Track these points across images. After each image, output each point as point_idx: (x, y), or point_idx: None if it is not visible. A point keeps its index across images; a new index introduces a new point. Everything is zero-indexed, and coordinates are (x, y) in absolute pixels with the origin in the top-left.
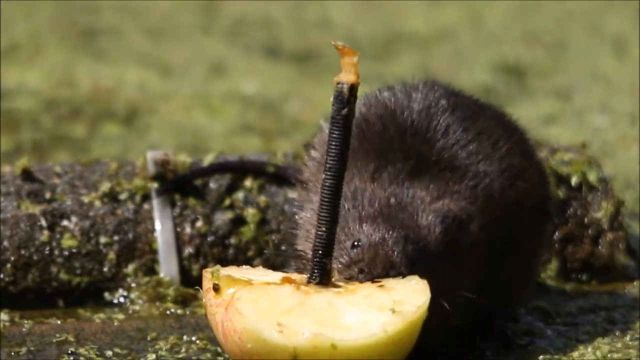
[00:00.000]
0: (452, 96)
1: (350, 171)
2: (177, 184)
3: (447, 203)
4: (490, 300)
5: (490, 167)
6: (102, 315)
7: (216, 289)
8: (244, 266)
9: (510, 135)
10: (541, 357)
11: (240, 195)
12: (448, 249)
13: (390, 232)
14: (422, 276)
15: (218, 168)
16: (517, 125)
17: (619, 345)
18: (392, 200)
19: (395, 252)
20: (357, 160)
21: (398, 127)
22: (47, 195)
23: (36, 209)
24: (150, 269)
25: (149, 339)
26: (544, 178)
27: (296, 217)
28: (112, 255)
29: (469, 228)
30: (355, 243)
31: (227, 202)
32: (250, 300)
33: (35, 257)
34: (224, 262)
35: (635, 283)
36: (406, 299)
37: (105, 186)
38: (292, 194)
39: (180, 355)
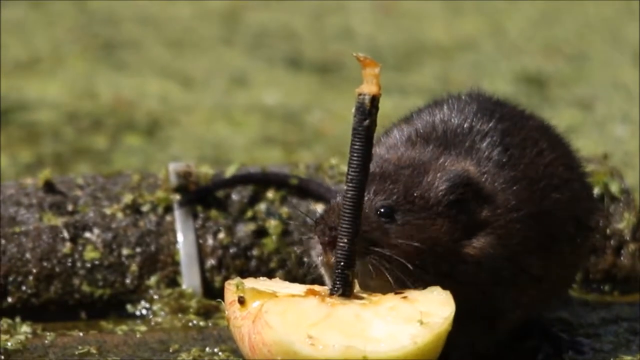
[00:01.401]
0: (498, 105)
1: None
2: (200, 195)
3: (466, 166)
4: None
5: (531, 169)
6: (124, 327)
7: (241, 301)
8: (261, 278)
9: (556, 147)
10: None
11: (262, 206)
12: (451, 209)
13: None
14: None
15: (241, 179)
16: (564, 138)
17: None
18: (402, 160)
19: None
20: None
21: (436, 129)
22: (70, 207)
23: (58, 221)
24: (173, 281)
25: (171, 350)
26: (590, 192)
27: None
28: (134, 267)
29: (494, 201)
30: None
31: (249, 213)
32: (278, 312)
33: (57, 269)
34: (246, 274)
35: None
36: (432, 311)
37: (127, 198)
38: (314, 206)
39: None
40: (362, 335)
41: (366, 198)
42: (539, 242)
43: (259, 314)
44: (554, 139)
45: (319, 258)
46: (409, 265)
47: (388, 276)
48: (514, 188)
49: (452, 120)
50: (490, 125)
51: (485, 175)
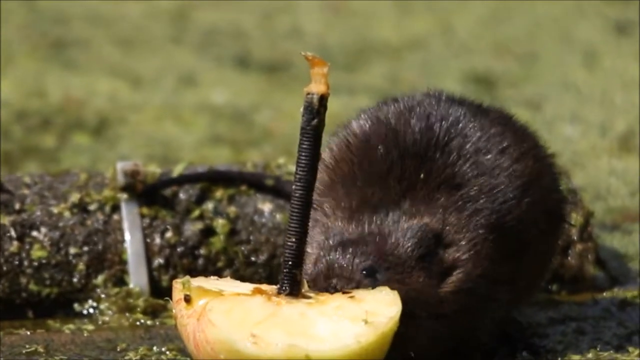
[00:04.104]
0: (456, 105)
1: (329, 207)
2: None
3: (424, 219)
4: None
5: (497, 177)
6: (71, 326)
7: (187, 299)
8: (211, 277)
9: (522, 140)
10: None
11: (209, 205)
12: (422, 261)
13: (352, 251)
14: (393, 287)
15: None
16: (528, 130)
17: (590, 355)
18: (365, 228)
19: (353, 266)
20: (338, 192)
21: (399, 149)
22: (17, 206)
23: (6, 220)
24: (120, 280)
25: (118, 349)
26: (558, 182)
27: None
28: (81, 266)
29: (458, 240)
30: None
31: (197, 212)
32: (223, 311)
33: (4, 268)
34: (194, 273)
35: (604, 294)
36: (377, 310)
37: (74, 197)
38: (262, 205)
39: None
40: (306, 334)
41: (347, 259)
42: (510, 251)
43: (203, 312)
44: (520, 133)
45: None
46: None
47: None
48: (476, 219)
49: (399, 143)
50: (440, 141)
51: (444, 218)
